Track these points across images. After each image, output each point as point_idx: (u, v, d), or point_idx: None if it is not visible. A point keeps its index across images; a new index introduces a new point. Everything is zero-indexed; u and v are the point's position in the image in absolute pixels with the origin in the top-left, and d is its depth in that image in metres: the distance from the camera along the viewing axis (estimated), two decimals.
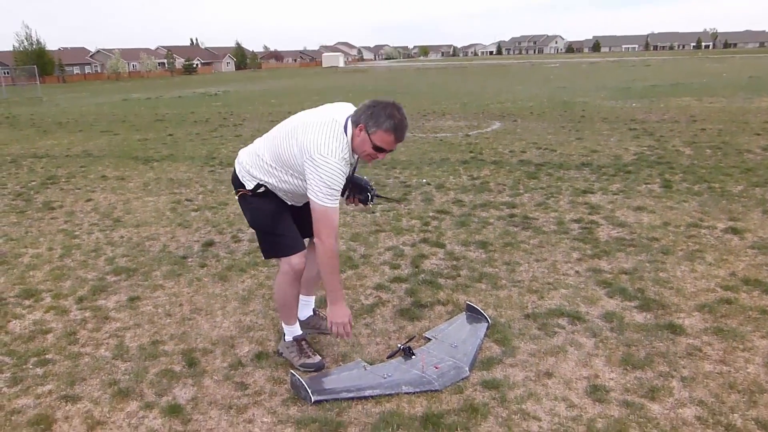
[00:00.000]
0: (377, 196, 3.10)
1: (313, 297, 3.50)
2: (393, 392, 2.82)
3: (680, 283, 3.95)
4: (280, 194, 3.03)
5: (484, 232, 5.21)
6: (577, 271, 4.24)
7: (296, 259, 3.02)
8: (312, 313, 3.44)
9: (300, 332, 3.22)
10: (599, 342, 3.23)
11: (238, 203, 3.21)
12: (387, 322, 3.58)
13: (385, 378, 2.92)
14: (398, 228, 5.41)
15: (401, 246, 4.94)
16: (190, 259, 4.83)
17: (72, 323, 3.71)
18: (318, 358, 3.14)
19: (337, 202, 2.76)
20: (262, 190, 3.01)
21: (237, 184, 3.09)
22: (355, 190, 3.02)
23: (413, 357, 3.09)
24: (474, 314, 3.52)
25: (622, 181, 6.87)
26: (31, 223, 6.09)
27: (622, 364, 3.00)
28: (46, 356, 3.30)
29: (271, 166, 2.93)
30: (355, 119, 2.75)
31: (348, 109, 2.86)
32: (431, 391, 2.83)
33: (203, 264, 4.70)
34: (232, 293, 4.10)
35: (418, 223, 5.55)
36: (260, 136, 3.17)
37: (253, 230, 3.23)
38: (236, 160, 3.14)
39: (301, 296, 3.31)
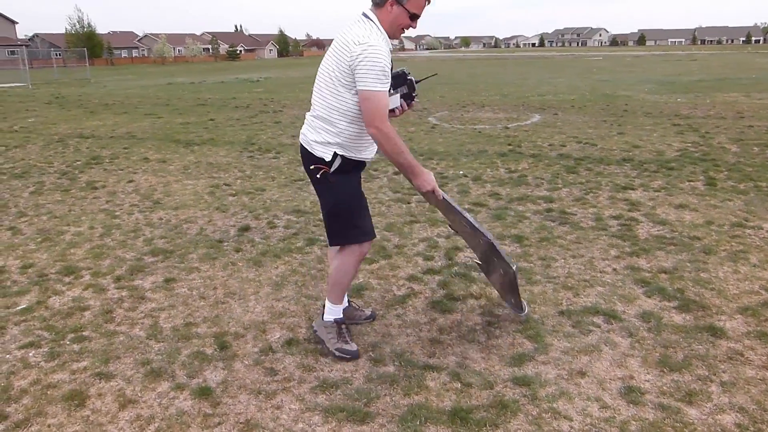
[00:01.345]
0: (417, 82, 3.02)
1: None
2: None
3: (722, 284, 3.84)
4: (354, 154, 2.90)
5: (519, 226, 5.14)
6: (614, 269, 4.15)
7: (368, 245, 3.09)
8: (347, 304, 3.43)
9: (342, 316, 3.22)
10: (635, 342, 3.16)
11: (314, 187, 3.05)
12: (419, 314, 3.56)
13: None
14: (433, 219, 5.37)
15: (435, 237, 4.91)
16: (225, 243, 4.88)
17: (109, 302, 3.79)
18: (355, 346, 3.14)
19: (387, 85, 2.73)
20: (339, 162, 2.88)
21: (311, 159, 2.92)
22: (396, 83, 2.93)
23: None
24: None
25: (664, 177, 6.70)
26: (74, 202, 6.23)
27: (659, 365, 2.93)
28: (83, 333, 3.37)
29: (332, 116, 2.82)
30: (379, 0, 2.73)
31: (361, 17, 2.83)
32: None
33: (238, 248, 4.74)
34: (266, 278, 4.13)
35: None
36: (300, 122, 3.14)
37: (328, 213, 3.06)
38: (301, 133, 3.00)
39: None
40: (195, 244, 4.87)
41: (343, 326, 3.20)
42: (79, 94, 22.69)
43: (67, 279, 4.16)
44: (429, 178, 2.91)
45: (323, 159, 2.88)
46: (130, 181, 7.15)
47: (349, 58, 2.67)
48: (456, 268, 4.25)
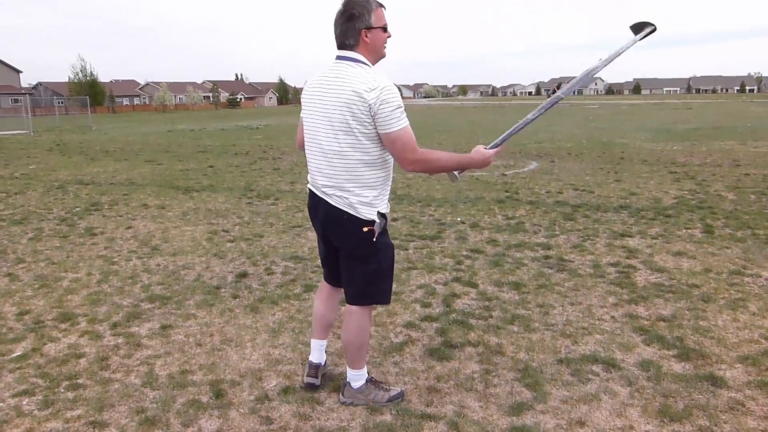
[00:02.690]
0: None
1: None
2: None
3: (722, 333, 3.82)
4: (386, 206, 2.89)
5: (517, 273, 5.14)
6: (612, 317, 4.14)
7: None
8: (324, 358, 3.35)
9: (368, 375, 3.15)
10: (635, 391, 3.13)
11: (356, 252, 2.88)
12: (416, 362, 3.54)
13: None
14: (431, 266, 5.38)
15: (433, 284, 4.90)
16: (223, 290, 4.86)
17: (105, 348, 3.76)
18: (398, 387, 3.19)
19: (406, 118, 2.70)
20: (382, 220, 2.84)
21: (360, 223, 2.79)
22: None
23: None
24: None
25: (662, 225, 6.73)
26: (73, 248, 6.23)
27: (659, 415, 2.89)
28: (78, 380, 3.34)
29: (360, 170, 2.74)
30: (352, 36, 2.68)
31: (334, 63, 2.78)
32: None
33: (236, 295, 4.73)
34: (263, 325, 4.11)
35: (451, 262, 5.50)
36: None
37: (374, 274, 2.92)
38: (330, 205, 2.82)
39: (315, 340, 3.30)
40: (192, 290, 4.86)
41: (373, 378, 3.17)
42: (81, 140, 22.92)
43: (63, 325, 4.14)
44: (484, 159, 2.87)
45: (373, 220, 2.80)
46: (129, 227, 7.17)
47: (366, 107, 2.60)
48: (454, 315, 4.23)
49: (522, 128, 3.10)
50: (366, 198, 2.78)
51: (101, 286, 5.00)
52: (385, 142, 2.69)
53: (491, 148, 2.94)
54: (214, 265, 5.55)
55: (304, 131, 2.91)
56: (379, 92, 2.59)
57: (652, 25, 3.17)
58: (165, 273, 5.34)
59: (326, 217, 2.87)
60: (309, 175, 2.97)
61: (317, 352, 3.29)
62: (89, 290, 4.88)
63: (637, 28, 3.20)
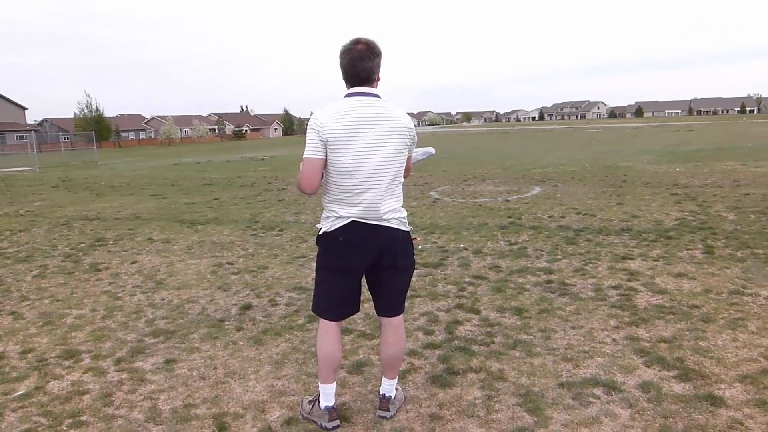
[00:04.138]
0: None
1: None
2: None
3: (721, 353, 3.83)
4: None
5: (520, 298, 5.16)
6: (614, 339, 4.15)
7: None
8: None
9: None
10: (635, 413, 3.14)
11: (408, 265, 3.22)
12: (419, 389, 3.56)
13: None
14: (434, 293, 5.41)
15: (436, 312, 4.93)
16: (227, 322, 4.90)
17: (109, 385, 3.79)
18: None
19: None
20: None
21: (408, 236, 3.17)
22: None
23: None
24: None
25: (663, 246, 6.76)
26: (77, 285, 6.29)
27: None
28: (81, 418, 3.37)
29: (399, 187, 3.13)
30: (377, 72, 2.97)
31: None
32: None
33: (240, 327, 4.77)
34: (266, 357, 4.14)
35: (454, 289, 5.53)
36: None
37: (409, 277, 3.29)
38: (391, 222, 3.05)
39: (330, 385, 3.27)
40: (196, 323, 4.90)
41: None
42: (86, 176, 23.14)
43: (67, 363, 4.18)
44: None
45: (411, 231, 3.22)
46: (134, 262, 7.23)
47: (412, 136, 3.05)
48: (456, 341, 4.25)
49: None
50: (405, 213, 3.16)
51: (105, 321, 5.05)
52: (408, 162, 3.16)
53: None
54: (218, 298, 5.59)
55: (346, 169, 2.91)
56: (413, 124, 3.10)
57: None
58: (169, 307, 5.38)
59: (389, 242, 3.06)
60: (355, 210, 2.96)
61: (333, 396, 3.24)
62: (93, 326, 4.93)
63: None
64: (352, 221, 2.97)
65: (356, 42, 2.92)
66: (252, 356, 4.17)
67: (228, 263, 6.98)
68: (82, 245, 8.47)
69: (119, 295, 5.84)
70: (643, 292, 5.15)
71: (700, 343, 4.00)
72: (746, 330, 4.18)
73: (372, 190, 2.95)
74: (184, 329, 4.78)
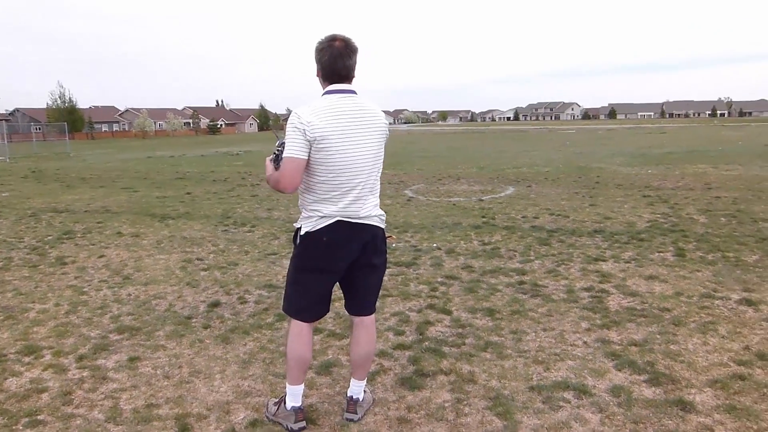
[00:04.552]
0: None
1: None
2: None
3: (692, 357, 3.83)
4: None
5: (492, 299, 5.13)
6: (585, 342, 4.14)
7: None
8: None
9: None
10: (605, 418, 3.12)
11: (382, 261, 3.19)
12: (387, 392, 3.50)
13: None
14: (405, 293, 5.36)
15: (407, 312, 4.88)
16: (194, 320, 4.80)
17: (69, 382, 3.67)
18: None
19: None
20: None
21: (383, 233, 3.14)
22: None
23: None
24: None
25: (635, 249, 6.79)
26: (42, 278, 6.12)
27: None
28: (38, 417, 3.25)
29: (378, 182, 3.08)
30: (355, 69, 2.92)
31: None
32: None
33: (207, 325, 4.66)
34: (233, 356, 4.05)
35: (426, 289, 5.49)
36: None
37: (382, 275, 3.25)
38: (372, 216, 3.01)
39: (298, 386, 3.20)
40: (163, 320, 4.79)
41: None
42: (58, 167, 22.70)
43: (26, 359, 4.04)
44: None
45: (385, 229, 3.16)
46: (102, 256, 7.07)
47: (387, 133, 3.03)
48: (427, 342, 4.20)
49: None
50: (383, 212, 3.11)
51: (69, 317, 4.91)
52: None
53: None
54: (186, 295, 5.48)
55: (334, 168, 2.84)
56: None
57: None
58: (136, 303, 5.25)
59: (372, 239, 3.03)
60: (339, 208, 2.90)
61: (300, 396, 3.18)
62: (56, 321, 4.79)
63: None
64: (338, 221, 2.91)
65: (333, 39, 2.86)
66: (218, 355, 4.07)
67: (198, 259, 6.86)
68: (49, 238, 8.27)
69: (85, 289, 5.69)
70: (614, 295, 5.16)
71: (671, 346, 4.00)
72: (717, 334, 4.19)
73: (358, 187, 2.91)
74: (149, 326, 4.66)
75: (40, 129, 70.91)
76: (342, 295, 3.25)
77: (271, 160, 3.02)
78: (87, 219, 9.88)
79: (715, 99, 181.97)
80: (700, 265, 5.98)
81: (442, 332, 4.41)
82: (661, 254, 6.50)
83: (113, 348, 4.23)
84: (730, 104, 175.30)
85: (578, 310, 4.80)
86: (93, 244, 7.78)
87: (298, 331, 3.11)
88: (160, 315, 4.93)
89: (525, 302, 5.03)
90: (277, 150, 2.95)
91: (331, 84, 2.89)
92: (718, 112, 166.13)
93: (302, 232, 2.97)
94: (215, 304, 5.16)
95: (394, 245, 7.05)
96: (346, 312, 3.29)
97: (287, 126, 2.82)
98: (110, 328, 4.63)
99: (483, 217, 9.20)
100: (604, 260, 6.31)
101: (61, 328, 4.63)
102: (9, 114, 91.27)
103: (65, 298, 5.41)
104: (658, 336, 4.19)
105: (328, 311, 3.23)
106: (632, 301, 4.98)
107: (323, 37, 2.89)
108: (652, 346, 4.01)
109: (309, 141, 2.76)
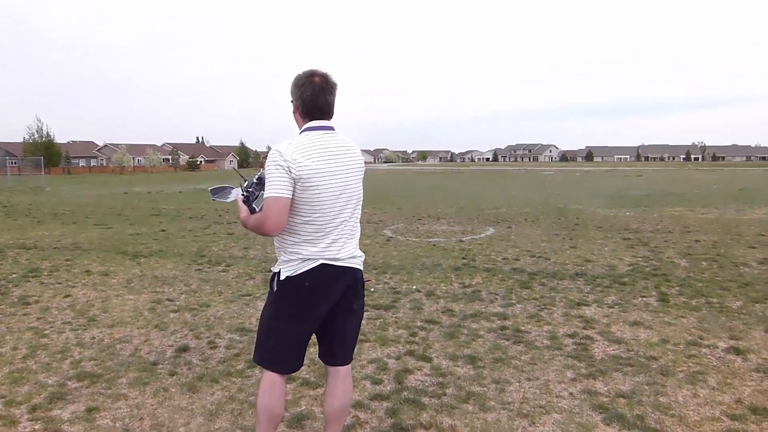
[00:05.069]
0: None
1: None
2: None
3: (682, 410, 3.66)
4: None
5: (473, 345, 4.94)
6: (571, 393, 3.96)
7: None
8: None
9: None
10: None
11: (361, 306, 3.01)
12: None
13: None
14: (384, 338, 5.15)
15: (385, 358, 4.66)
16: (160, 366, 4.54)
17: None
18: None
19: None
20: None
21: (362, 276, 2.98)
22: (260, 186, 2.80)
23: None
24: None
25: (618, 293, 6.66)
26: (1, 319, 5.81)
27: None
28: None
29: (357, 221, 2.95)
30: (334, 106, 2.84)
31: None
32: None
33: (173, 372, 4.41)
34: (199, 407, 3.80)
35: (405, 333, 5.28)
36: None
37: (360, 320, 3.07)
38: (353, 258, 2.87)
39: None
40: (126, 366, 4.52)
41: None
42: (30, 202, 22.23)
43: None
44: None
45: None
46: (67, 296, 6.77)
47: (364, 166, 2.95)
48: (406, 393, 3.99)
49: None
50: (362, 254, 2.96)
51: (26, 362, 4.62)
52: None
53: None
54: (153, 338, 5.21)
55: (321, 207, 2.72)
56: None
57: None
58: (99, 347, 4.98)
59: (353, 283, 2.88)
60: (322, 249, 2.75)
61: None
62: (12, 367, 4.50)
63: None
64: (321, 264, 2.74)
65: (312, 74, 2.76)
66: (183, 405, 3.82)
67: (168, 299, 6.59)
68: (14, 276, 7.94)
69: (46, 332, 5.40)
70: (599, 341, 5.00)
71: (660, 398, 3.83)
72: (706, 385, 4.04)
73: (341, 226, 2.79)
74: (112, 372, 4.39)
75: (15, 163, 70.01)
76: (317, 340, 3.04)
77: (243, 201, 2.84)
78: (55, 256, 9.55)
79: (689, 143, 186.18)
80: (685, 311, 5.86)
81: (421, 381, 4.20)
82: (645, 299, 6.38)
83: (71, 397, 3.96)
84: (703, 149, 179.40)
85: (562, 357, 4.63)
86: (59, 283, 7.47)
87: (271, 383, 2.90)
88: (124, 360, 4.66)
89: (507, 349, 4.85)
90: (247, 191, 2.78)
91: (312, 120, 2.77)
92: (693, 156, 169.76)
93: (282, 277, 2.77)
94: (183, 349, 4.91)
95: (372, 288, 6.85)
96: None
97: (268, 164, 2.65)
98: (69, 375, 4.35)
99: (463, 258, 9.05)
100: (587, 305, 6.17)
101: (16, 374, 4.34)
102: None
103: (24, 341, 5.12)
104: (646, 387, 4.03)
105: (302, 365, 3.01)
106: (617, 348, 4.82)
107: (301, 73, 2.79)
108: (640, 398, 3.84)
109: (294, 179, 2.61)
